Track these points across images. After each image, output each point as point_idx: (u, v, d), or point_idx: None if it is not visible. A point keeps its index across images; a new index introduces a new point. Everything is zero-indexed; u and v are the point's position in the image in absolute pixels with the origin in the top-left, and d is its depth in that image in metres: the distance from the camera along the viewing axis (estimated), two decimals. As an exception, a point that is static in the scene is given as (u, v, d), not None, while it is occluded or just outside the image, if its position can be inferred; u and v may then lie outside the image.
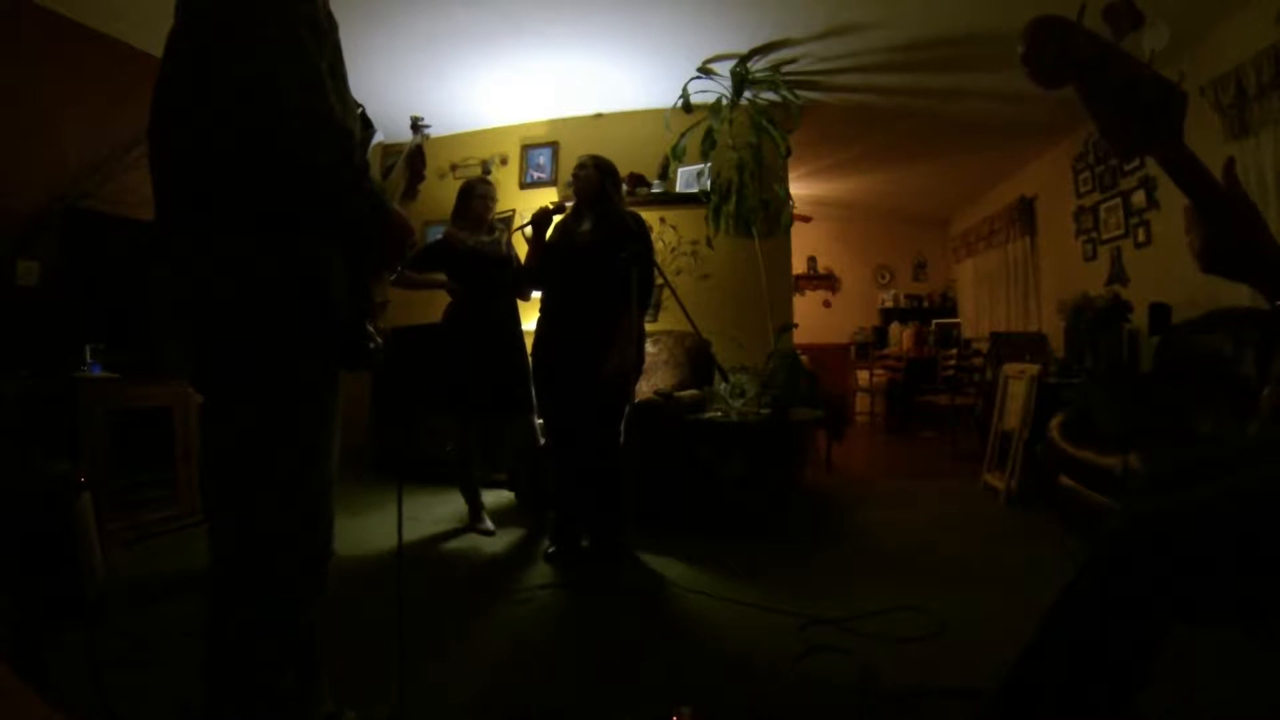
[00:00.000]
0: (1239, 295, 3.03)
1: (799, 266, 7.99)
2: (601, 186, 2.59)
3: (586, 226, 2.61)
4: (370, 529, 2.97)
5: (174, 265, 1.08)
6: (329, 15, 1.10)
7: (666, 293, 2.88)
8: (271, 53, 0.97)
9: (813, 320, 7.66)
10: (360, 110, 1.22)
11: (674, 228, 4.36)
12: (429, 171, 4.62)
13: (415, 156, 1.66)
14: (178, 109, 1.03)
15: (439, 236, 3.12)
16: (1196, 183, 0.73)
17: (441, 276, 3.00)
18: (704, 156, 4.03)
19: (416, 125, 1.66)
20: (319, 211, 1.08)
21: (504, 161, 4.68)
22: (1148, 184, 3.95)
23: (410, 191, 1.48)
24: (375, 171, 1.30)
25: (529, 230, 2.73)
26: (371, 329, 1.22)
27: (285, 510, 1.12)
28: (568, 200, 2.78)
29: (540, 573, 2.47)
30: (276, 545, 1.11)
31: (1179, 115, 0.71)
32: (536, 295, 2.81)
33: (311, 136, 1.00)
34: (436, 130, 1.71)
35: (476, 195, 3.00)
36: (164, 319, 1.13)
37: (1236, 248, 0.73)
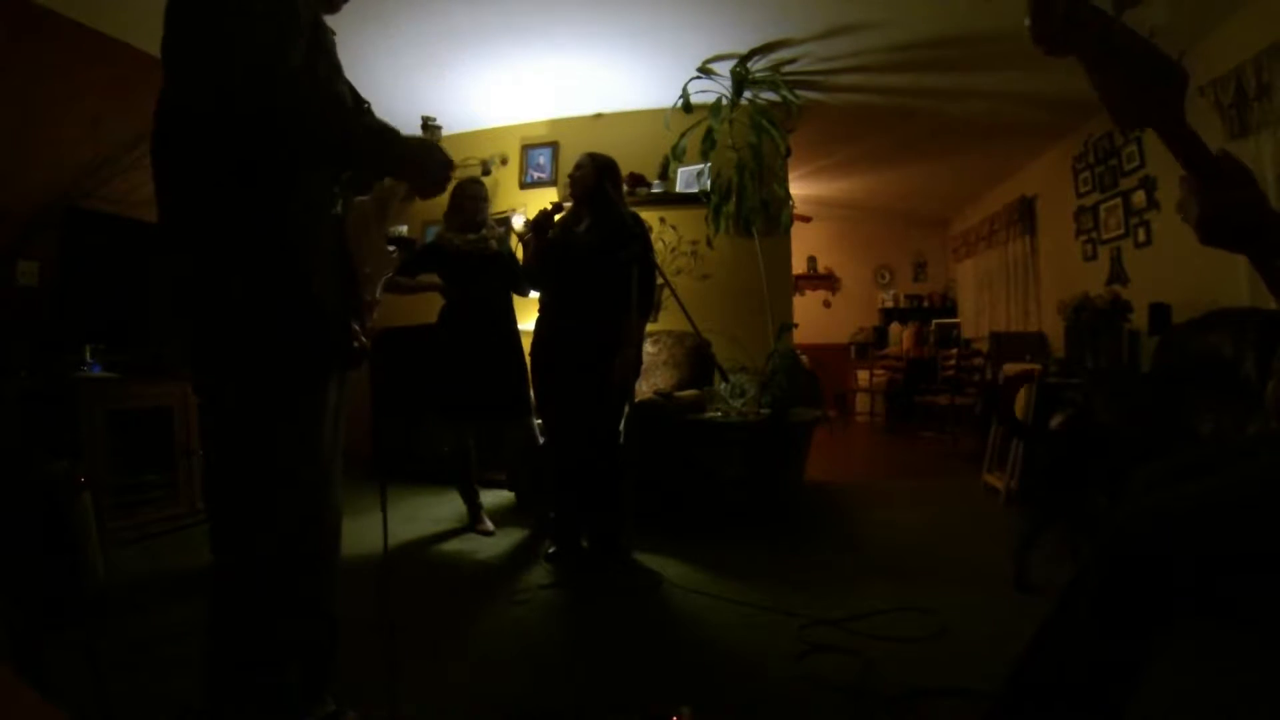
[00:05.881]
0: (1239, 295, 3.03)
1: (799, 266, 7.99)
2: (598, 185, 2.54)
3: (584, 226, 2.59)
4: (370, 529, 2.95)
5: (167, 266, 1.08)
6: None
7: (666, 293, 2.88)
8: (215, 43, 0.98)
9: (813, 320, 7.67)
10: (366, 106, 1.23)
11: (674, 228, 4.36)
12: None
13: None
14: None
15: (432, 239, 3.12)
16: (1195, 157, 0.73)
17: (435, 279, 3.00)
18: (704, 156, 4.03)
19: (427, 125, 1.65)
20: (325, 157, 1.09)
21: (504, 161, 4.68)
22: (1148, 184, 3.95)
23: (412, 193, 1.48)
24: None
25: (522, 226, 2.73)
26: (357, 328, 1.21)
27: (276, 510, 1.11)
28: (567, 200, 2.77)
29: (540, 573, 2.47)
30: (268, 544, 1.11)
31: (1180, 90, 0.71)
32: (536, 294, 2.81)
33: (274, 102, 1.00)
34: (436, 130, 1.73)
35: (467, 195, 2.97)
36: (165, 319, 1.14)
37: (1234, 213, 0.73)
